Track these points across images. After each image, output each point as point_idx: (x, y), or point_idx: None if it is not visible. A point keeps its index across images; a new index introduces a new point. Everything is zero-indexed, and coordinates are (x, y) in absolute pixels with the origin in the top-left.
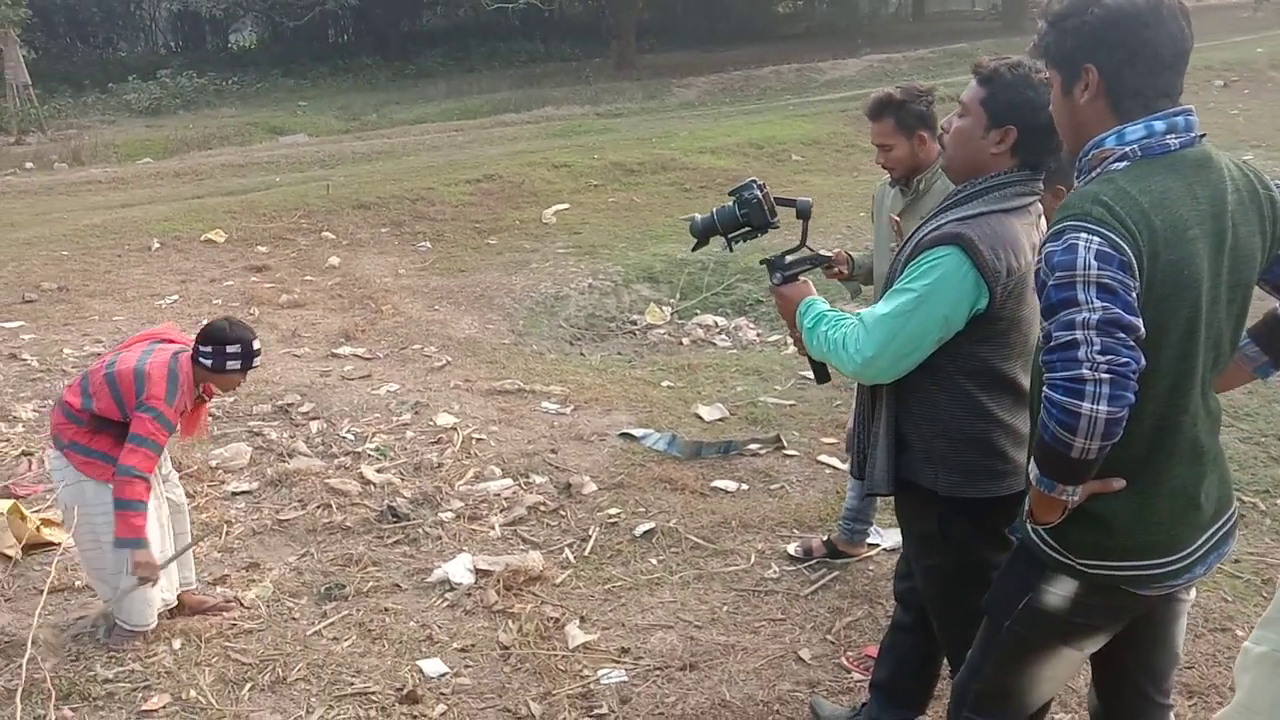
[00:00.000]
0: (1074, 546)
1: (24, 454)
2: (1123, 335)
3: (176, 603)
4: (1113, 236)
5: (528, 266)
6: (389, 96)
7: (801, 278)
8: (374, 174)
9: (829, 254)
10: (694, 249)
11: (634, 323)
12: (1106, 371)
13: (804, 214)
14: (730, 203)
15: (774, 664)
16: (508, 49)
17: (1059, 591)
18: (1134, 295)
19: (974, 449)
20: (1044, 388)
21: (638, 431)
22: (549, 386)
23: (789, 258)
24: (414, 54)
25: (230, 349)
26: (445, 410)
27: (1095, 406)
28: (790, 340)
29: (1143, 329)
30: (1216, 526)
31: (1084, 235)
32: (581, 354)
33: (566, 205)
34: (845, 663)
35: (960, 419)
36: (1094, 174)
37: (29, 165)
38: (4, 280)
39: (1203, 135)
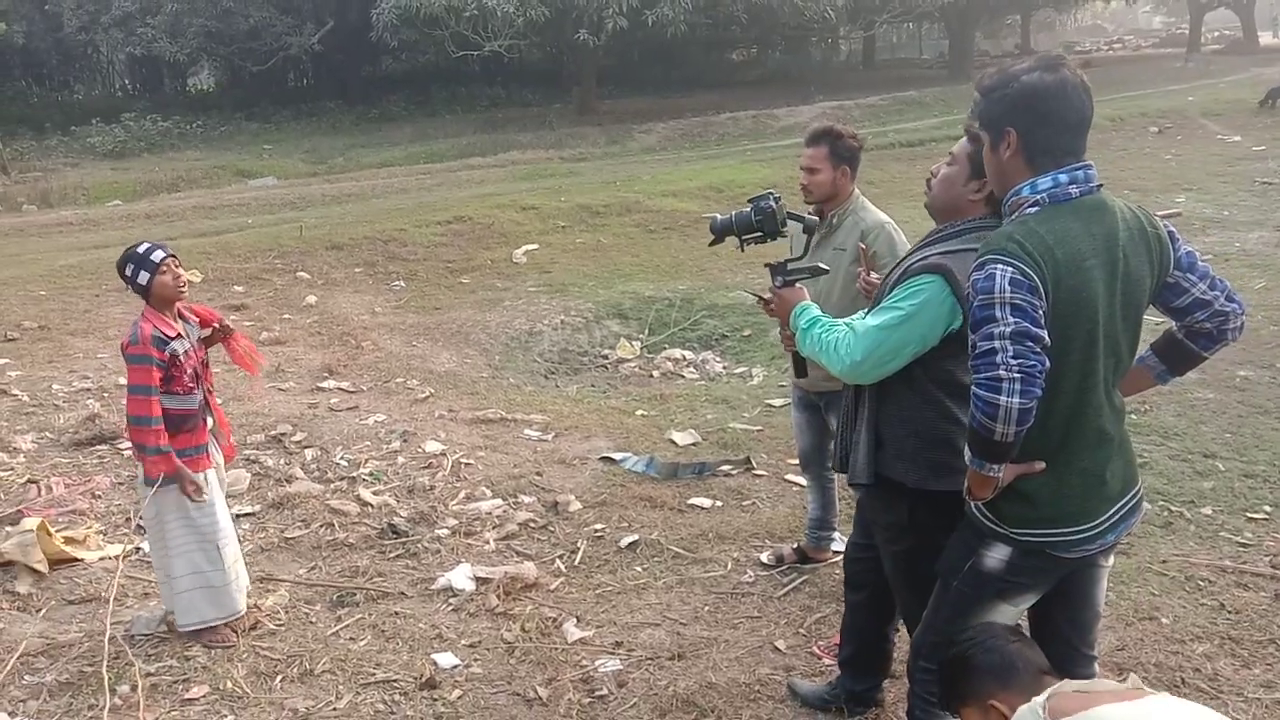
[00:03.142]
0: (1006, 518)
1: (30, 481)
2: (1031, 344)
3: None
4: (1023, 266)
5: (501, 304)
6: (354, 140)
7: (799, 284)
8: (345, 216)
9: (826, 267)
10: (710, 244)
11: (605, 357)
12: (1018, 371)
13: (810, 230)
14: (748, 209)
15: (753, 653)
16: (469, 94)
17: (996, 555)
18: (1040, 313)
19: (940, 448)
20: (971, 386)
21: (617, 455)
22: (530, 415)
23: (791, 265)
24: (376, 98)
25: (128, 270)
26: (432, 438)
27: (1010, 400)
28: (780, 339)
29: (1047, 339)
30: (1123, 501)
31: (1000, 266)
32: (557, 386)
33: (536, 246)
34: (816, 651)
35: (930, 421)
36: (1013, 216)
37: None
38: None
39: (1100, 185)
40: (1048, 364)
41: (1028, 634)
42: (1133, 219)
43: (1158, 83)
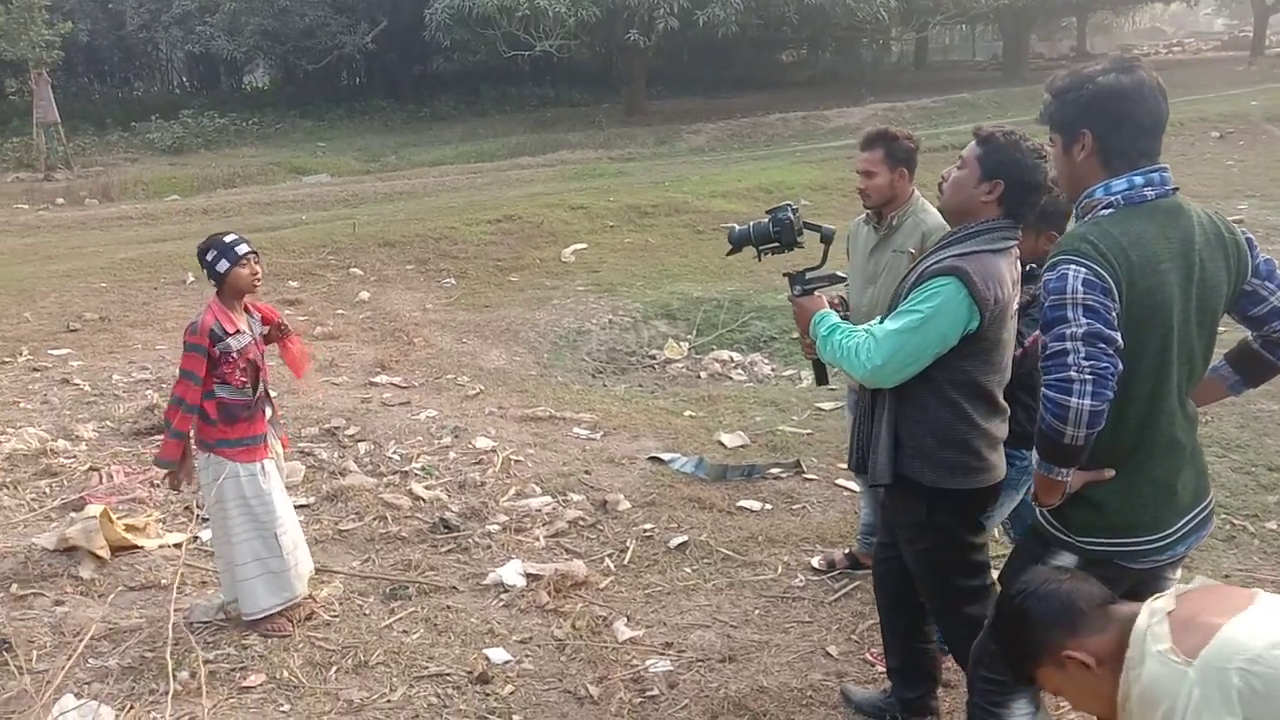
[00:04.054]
0: (1073, 525)
1: (91, 469)
2: (1103, 345)
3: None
4: (1096, 268)
5: (549, 303)
6: (406, 139)
7: (817, 292)
8: (397, 213)
9: (844, 275)
10: (728, 254)
11: (653, 357)
12: (1090, 373)
13: (827, 239)
14: (766, 220)
15: (805, 658)
16: (518, 94)
17: (1061, 564)
18: (1113, 314)
19: (956, 448)
20: (1042, 388)
21: (666, 455)
22: (579, 414)
23: (809, 274)
24: (427, 97)
25: (209, 255)
26: (483, 434)
27: (1080, 401)
28: (801, 347)
29: (1120, 341)
30: (1194, 512)
31: (1073, 266)
32: (605, 385)
33: (584, 245)
34: (869, 657)
35: (946, 421)
36: (1087, 218)
37: (60, 201)
38: (47, 310)
39: (1175, 189)
40: (1120, 367)
41: None
42: (1209, 224)
43: (1219, 86)
